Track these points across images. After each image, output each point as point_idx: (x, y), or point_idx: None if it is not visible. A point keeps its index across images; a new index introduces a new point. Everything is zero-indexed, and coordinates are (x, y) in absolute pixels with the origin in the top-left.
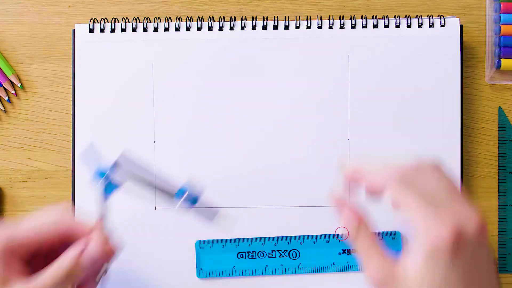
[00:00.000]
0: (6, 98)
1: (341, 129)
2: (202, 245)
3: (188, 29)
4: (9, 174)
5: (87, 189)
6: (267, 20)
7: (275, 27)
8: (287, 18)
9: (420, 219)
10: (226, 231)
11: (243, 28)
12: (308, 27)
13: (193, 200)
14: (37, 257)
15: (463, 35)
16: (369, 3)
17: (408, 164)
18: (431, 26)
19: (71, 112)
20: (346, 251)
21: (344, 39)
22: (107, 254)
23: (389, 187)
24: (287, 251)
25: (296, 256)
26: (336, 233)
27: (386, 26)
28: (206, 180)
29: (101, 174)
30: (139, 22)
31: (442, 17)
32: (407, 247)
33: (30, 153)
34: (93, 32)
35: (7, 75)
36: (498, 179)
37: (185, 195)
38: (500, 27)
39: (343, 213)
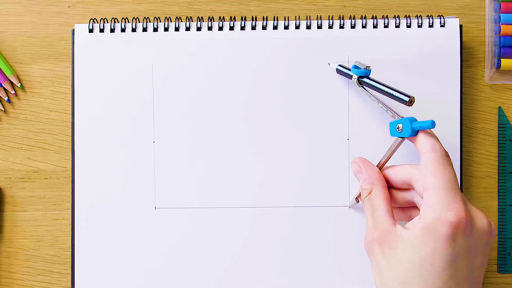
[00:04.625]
0: (6, 98)
1: (341, 129)
2: None
3: (187, 29)
4: (9, 174)
5: (87, 189)
6: (267, 20)
7: (275, 27)
8: (287, 18)
9: (440, 195)
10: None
11: (243, 28)
12: (308, 27)
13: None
14: None
15: (463, 35)
16: (369, 3)
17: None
18: (431, 26)
19: (71, 112)
20: None
21: (344, 39)
22: None
23: (429, 156)
24: None
25: None
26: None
27: (386, 26)
28: (205, 180)
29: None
30: (139, 22)
31: (442, 17)
32: (415, 211)
33: (30, 153)
34: (92, 32)
35: (7, 75)
36: (498, 179)
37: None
38: (500, 27)
39: (364, 169)
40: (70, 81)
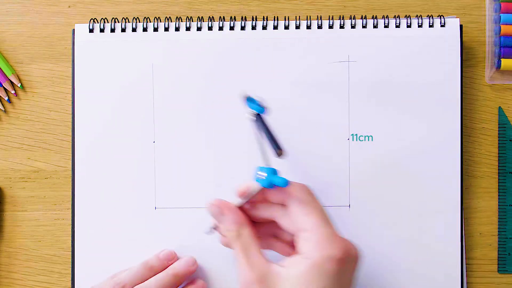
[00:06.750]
0: (6, 98)
1: (341, 129)
2: None
3: (188, 29)
4: (9, 174)
5: (87, 189)
6: (267, 20)
7: (275, 27)
8: (287, 18)
9: (322, 233)
10: None
11: (243, 28)
12: (308, 27)
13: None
14: None
15: (463, 35)
16: (369, 3)
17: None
18: (431, 26)
19: (71, 112)
20: None
21: (344, 39)
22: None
23: (296, 198)
24: None
25: None
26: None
27: (386, 26)
28: (205, 180)
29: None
30: (139, 22)
31: (442, 17)
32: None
33: (30, 153)
34: (93, 32)
35: (7, 75)
36: (498, 179)
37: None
38: (500, 27)
39: (227, 211)
40: (70, 81)
